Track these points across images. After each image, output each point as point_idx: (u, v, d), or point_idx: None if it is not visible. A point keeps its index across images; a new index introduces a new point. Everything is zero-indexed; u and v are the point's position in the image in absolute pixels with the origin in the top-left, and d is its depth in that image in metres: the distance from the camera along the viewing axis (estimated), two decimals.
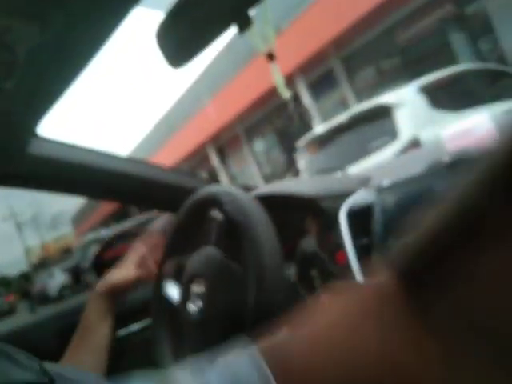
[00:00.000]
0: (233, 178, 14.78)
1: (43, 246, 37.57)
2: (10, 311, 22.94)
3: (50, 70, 0.81)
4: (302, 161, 4.58)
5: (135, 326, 1.20)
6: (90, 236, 14.70)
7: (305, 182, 1.13)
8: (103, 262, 1.25)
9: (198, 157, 15.58)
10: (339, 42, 9.52)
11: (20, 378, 0.43)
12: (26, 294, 16.40)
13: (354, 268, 0.74)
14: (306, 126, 9.63)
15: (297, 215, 0.93)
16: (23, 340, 1.19)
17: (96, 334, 0.86)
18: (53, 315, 1.28)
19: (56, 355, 0.80)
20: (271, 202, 0.86)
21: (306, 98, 11.07)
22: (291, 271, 0.86)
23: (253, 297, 0.67)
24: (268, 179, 13.17)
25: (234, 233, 0.75)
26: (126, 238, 1.31)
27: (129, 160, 1.20)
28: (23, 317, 15.71)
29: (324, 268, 0.79)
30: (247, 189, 1.08)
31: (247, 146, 14.14)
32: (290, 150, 10.09)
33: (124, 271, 0.91)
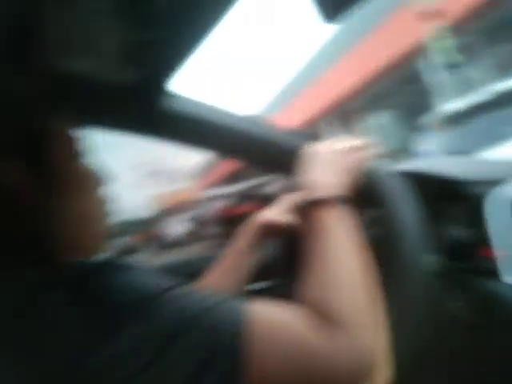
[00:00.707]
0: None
1: (167, 195, 40.37)
2: (132, 251, 25.43)
3: (184, 23, 0.79)
4: (428, 139, 4.22)
5: (258, 285, 1.16)
6: (211, 191, 15.53)
7: (448, 162, 1.03)
8: (228, 218, 1.29)
9: (320, 121, 15.42)
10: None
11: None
12: (149, 239, 17.91)
13: (499, 265, 0.68)
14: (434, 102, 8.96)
15: (441, 198, 0.86)
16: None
17: (245, 259, 0.90)
18: (177, 261, 1.31)
19: None
20: (414, 180, 0.81)
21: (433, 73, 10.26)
22: (434, 259, 0.78)
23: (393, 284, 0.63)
24: (386, 156, 12.57)
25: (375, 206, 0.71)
26: (248, 198, 1.34)
27: (252, 119, 1.16)
28: (146, 257, 17.27)
29: (469, 261, 0.74)
30: None
31: (373, 114, 13.60)
32: (414, 127, 9.53)
33: (278, 214, 0.93)
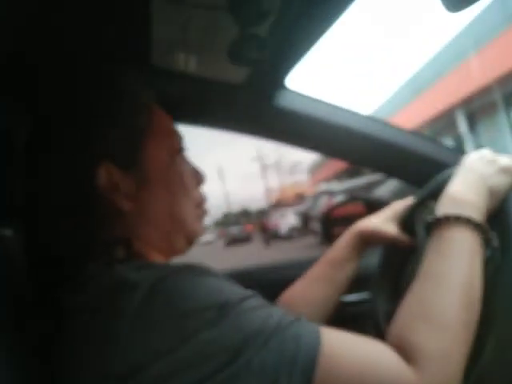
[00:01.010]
0: (481, 148, 13.17)
1: (281, 188, 41.30)
2: (247, 239, 26.50)
3: (302, 20, 0.77)
4: None
5: (351, 296, 1.11)
6: (323, 186, 15.48)
7: None
8: (332, 219, 1.19)
9: (443, 121, 14.37)
10: None
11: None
12: (262, 228, 18.49)
13: None
14: None
15: None
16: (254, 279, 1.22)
17: (340, 271, 0.84)
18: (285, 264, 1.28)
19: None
20: None
21: None
22: None
23: (501, 312, 0.56)
24: None
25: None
26: (355, 199, 1.23)
27: (372, 120, 1.10)
28: (258, 247, 17.84)
29: None
30: None
31: (504, 113, 12.34)
32: None
33: (384, 223, 0.86)
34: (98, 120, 0.57)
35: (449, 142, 14.24)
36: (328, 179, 24.24)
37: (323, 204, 10.28)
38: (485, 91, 11.85)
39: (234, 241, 26.66)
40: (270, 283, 0.96)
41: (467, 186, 0.64)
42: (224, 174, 63.91)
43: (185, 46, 0.84)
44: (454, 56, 12.71)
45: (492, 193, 0.64)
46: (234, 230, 27.97)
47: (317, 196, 12.77)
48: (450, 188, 0.65)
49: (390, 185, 6.47)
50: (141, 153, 0.59)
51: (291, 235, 18.09)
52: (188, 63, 0.90)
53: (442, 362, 0.49)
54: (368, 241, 0.85)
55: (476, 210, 0.60)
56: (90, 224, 0.56)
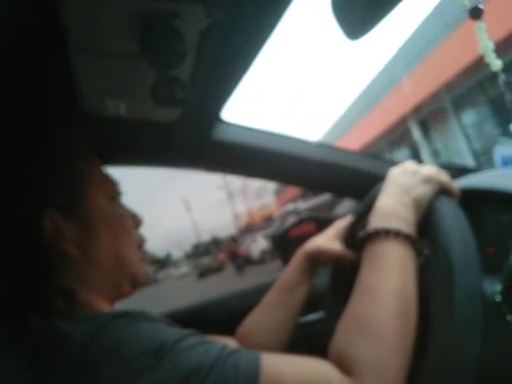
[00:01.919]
0: (436, 154, 13.61)
1: (249, 213, 41.41)
2: (219, 269, 26.20)
3: (227, 53, 0.79)
4: None
5: (307, 318, 1.13)
6: (290, 207, 15.53)
7: None
8: (288, 241, 1.21)
9: (398, 131, 14.80)
10: None
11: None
12: (232, 256, 18.33)
13: None
14: None
15: (507, 216, 0.75)
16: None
17: (293, 295, 0.85)
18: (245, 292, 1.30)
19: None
20: (474, 198, 0.75)
21: None
22: (495, 288, 0.67)
23: (439, 315, 0.57)
24: (478, 155, 11.74)
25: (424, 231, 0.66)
26: (307, 218, 1.24)
27: (312, 144, 1.13)
28: (230, 275, 17.64)
29: None
30: (451, 167, 0.94)
31: (454, 118, 12.77)
32: (507, 122, 8.73)
33: (328, 241, 0.88)
34: (36, 171, 0.58)
35: (405, 150, 14.64)
36: (294, 199, 24.36)
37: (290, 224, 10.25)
38: (434, 98, 12.27)
39: (206, 271, 26.28)
40: (228, 315, 1.01)
41: (393, 199, 0.66)
42: (190, 205, 63.72)
43: (112, 92, 0.87)
44: (400, 67, 13.15)
45: (417, 202, 0.66)
46: (206, 261, 27.68)
47: (283, 217, 12.79)
48: (378, 202, 0.68)
49: (348, 203, 6.51)
50: (82, 199, 0.61)
51: (263, 259, 17.98)
52: (118, 108, 0.92)
53: (381, 371, 0.50)
54: (316, 260, 0.87)
55: (403, 221, 0.63)
56: (37, 274, 0.56)
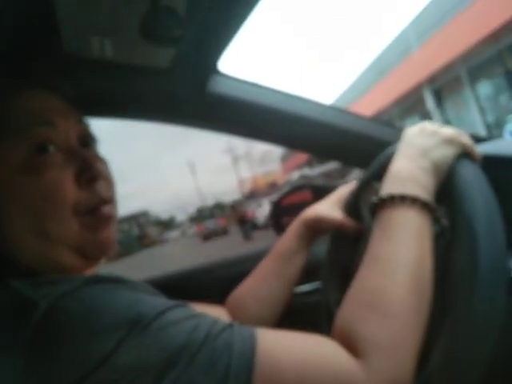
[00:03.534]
0: (448, 124, 13.39)
1: (254, 179, 41.47)
2: (223, 232, 26.53)
3: (229, 2, 0.72)
4: None
5: (303, 287, 1.08)
6: (295, 174, 15.52)
7: None
8: (281, 208, 1.14)
9: (411, 99, 14.57)
10: None
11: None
12: (241, 220, 18.37)
13: None
14: None
15: None
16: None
17: (290, 263, 0.81)
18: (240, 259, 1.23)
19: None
20: (499, 165, 0.69)
21: None
22: None
23: (461, 289, 0.51)
24: (491, 128, 11.58)
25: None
26: (303, 185, 1.16)
27: (319, 105, 1.04)
28: (237, 240, 17.78)
29: None
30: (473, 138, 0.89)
31: (469, 89, 12.53)
32: None
33: (329, 209, 0.82)
34: None
35: (416, 119, 14.44)
36: (300, 167, 24.34)
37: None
38: (450, 67, 12.01)
39: (211, 235, 26.61)
40: (222, 280, 0.94)
41: (410, 162, 0.60)
42: (195, 169, 63.73)
43: (97, 30, 0.75)
44: (416, 35, 12.82)
45: (437, 166, 0.60)
46: (210, 224, 27.93)
47: (291, 182, 12.76)
48: (392, 166, 0.61)
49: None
50: None
51: (268, 224, 17.95)
52: (104, 48, 0.80)
53: (392, 351, 0.46)
54: (315, 229, 0.82)
55: (421, 186, 0.57)
56: None
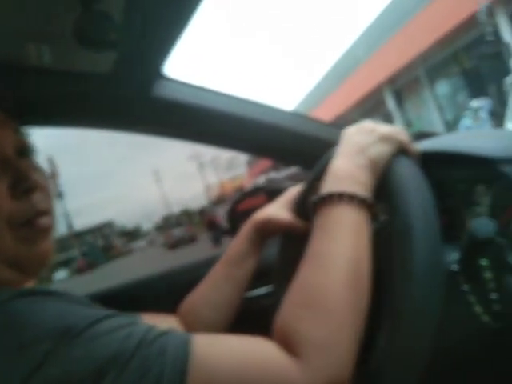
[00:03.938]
0: (409, 124, 13.80)
1: (221, 184, 41.41)
2: (191, 240, 26.32)
3: (172, 3, 0.71)
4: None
5: (256, 291, 1.07)
6: (262, 178, 15.56)
7: (485, 135, 0.86)
8: (237, 213, 1.09)
9: (372, 101, 14.92)
10: None
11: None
12: (211, 226, 18.22)
13: None
14: (504, 66, 8.30)
15: (466, 181, 0.73)
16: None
17: (241, 268, 0.80)
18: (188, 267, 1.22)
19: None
20: (437, 160, 0.71)
21: (507, 33, 9.46)
22: (451, 257, 0.64)
23: (397, 284, 0.52)
24: (450, 126, 11.98)
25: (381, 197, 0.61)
26: (257, 189, 1.12)
27: (265, 107, 1.03)
28: (205, 246, 17.66)
29: (500, 258, 0.59)
30: (424, 135, 0.89)
31: (428, 88, 12.92)
32: (479, 94, 8.90)
33: (278, 210, 0.82)
34: None
35: (377, 121, 14.77)
36: (266, 171, 24.42)
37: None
38: (409, 68, 12.34)
39: (178, 243, 26.33)
40: (177, 287, 0.92)
41: (348, 160, 0.61)
42: (160, 177, 63.05)
43: (32, 36, 0.73)
44: (376, 37, 13.12)
45: (374, 163, 0.61)
46: (178, 232, 27.68)
47: (256, 185, 12.78)
48: (332, 165, 0.62)
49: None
50: None
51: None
52: (41, 55, 0.79)
53: (329, 349, 0.46)
54: (265, 231, 0.81)
55: (359, 183, 0.58)
56: None
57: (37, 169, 0.59)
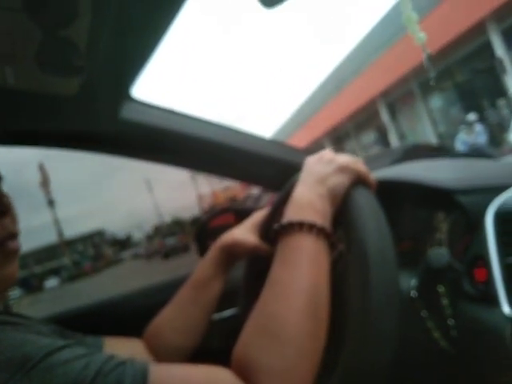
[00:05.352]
0: (403, 137, 13.95)
1: (213, 194, 41.23)
2: (184, 249, 26.12)
3: (139, 27, 0.71)
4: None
5: (222, 314, 1.08)
6: (254, 188, 15.52)
7: (443, 166, 0.90)
8: (207, 231, 1.13)
9: (366, 114, 15.04)
10: None
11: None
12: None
13: (497, 291, 0.57)
14: (496, 81, 8.47)
15: (425, 210, 0.76)
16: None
17: (207, 290, 0.80)
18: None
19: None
20: (396, 190, 0.74)
21: (499, 48, 9.66)
22: (411, 283, 0.67)
23: (355, 312, 0.53)
24: (443, 138, 12.14)
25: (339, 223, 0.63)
26: (227, 208, 1.15)
27: (232, 130, 1.06)
28: (195, 256, 17.55)
29: (456, 285, 0.62)
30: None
31: (422, 102, 13.10)
32: (472, 108, 9.05)
33: (245, 233, 0.83)
34: None
35: (371, 134, 14.91)
36: None
37: (265, 202, 10.30)
38: (402, 81, 12.49)
39: (172, 252, 26.16)
40: (141, 310, 0.92)
41: (308, 189, 0.62)
42: (152, 186, 62.73)
43: None
44: (370, 51, 13.27)
45: (332, 193, 0.62)
46: (171, 241, 27.48)
47: (257, 196, 12.75)
48: (294, 193, 0.63)
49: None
50: None
51: None
52: (5, 76, 0.77)
53: (286, 379, 0.46)
54: (231, 254, 0.82)
55: (318, 213, 0.59)
56: None
57: (3, 194, 0.60)
